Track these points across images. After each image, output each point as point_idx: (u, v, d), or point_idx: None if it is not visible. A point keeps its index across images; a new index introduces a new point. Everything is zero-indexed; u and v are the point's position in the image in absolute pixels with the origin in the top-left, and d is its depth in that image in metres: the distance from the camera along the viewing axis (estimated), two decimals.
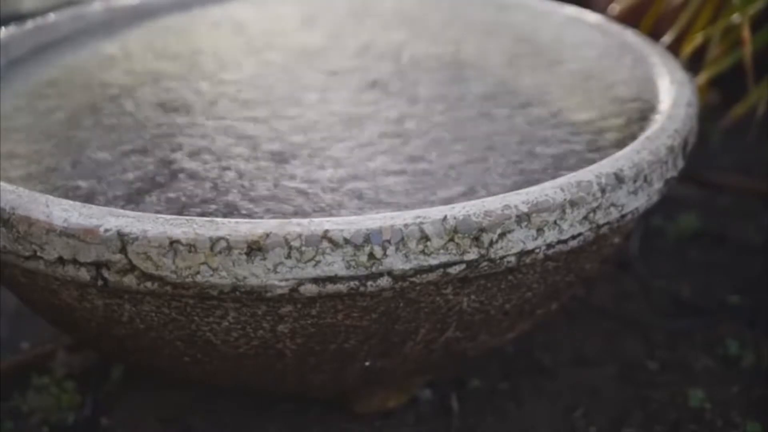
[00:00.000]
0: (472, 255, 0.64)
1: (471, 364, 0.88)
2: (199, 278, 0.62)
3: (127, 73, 0.94)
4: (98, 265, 0.63)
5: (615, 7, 1.17)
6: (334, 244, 0.61)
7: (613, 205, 0.69)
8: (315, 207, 0.71)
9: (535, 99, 0.88)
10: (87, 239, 0.63)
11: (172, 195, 0.73)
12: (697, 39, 1.02)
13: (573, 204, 0.66)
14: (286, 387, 0.79)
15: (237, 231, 0.61)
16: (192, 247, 0.61)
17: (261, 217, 0.69)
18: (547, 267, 0.70)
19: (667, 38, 1.03)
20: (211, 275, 0.62)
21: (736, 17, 0.98)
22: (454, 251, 0.63)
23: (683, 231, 1.10)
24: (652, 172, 0.71)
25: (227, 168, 0.76)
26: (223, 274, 0.62)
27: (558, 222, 0.66)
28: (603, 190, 0.68)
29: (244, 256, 0.61)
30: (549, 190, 0.66)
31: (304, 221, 0.62)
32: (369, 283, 0.63)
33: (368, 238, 0.62)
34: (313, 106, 0.87)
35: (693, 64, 1.01)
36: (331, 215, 0.69)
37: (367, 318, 0.66)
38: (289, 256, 0.61)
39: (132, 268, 0.62)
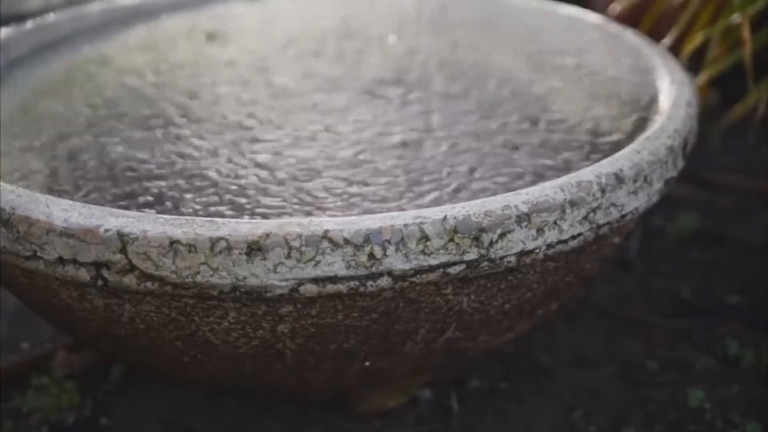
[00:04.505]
0: (472, 255, 0.64)
1: (471, 364, 0.88)
2: (199, 278, 0.62)
3: (128, 72, 0.94)
4: (98, 265, 0.63)
5: (615, 7, 1.17)
6: (334, 244, 0.61)
7: (613, 205, 0.69)
8: None
9: (534, 98, 0.88)
10: (87, 239, 0.63)
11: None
12: (697, 39, 1.02)
13: (573, 204, 0.66)
14: (286, 387, 0.79)
15: (237, 231, 0.61)
16: (192, 247, 0.61)
17: None
18: (547, 267, 0.70)
19: (668, 39, 1.03)
20: (211, 275, 0.62)
21: (736, 17, 0.98)
22: (454, 251, 0.63)
23: (683, 231, 1.10)
24: (652, 172, 0.71)
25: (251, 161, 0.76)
26: (223, 274, 0.62)
27: (558, 222, 0.66)
28: (603, 190, 0.68)
29: (244, 256, 0.61)
30: (549, 190, 0.66)
31: (305, 221, 0.62)
32: (369, 283, 0.63)
33: (368, 238, 0.62)
34: None
35: (693, 64, 1.01)
36: None
37: (367, 318, 0.66)
38: (289, 256, 0.61)
39: (132, 268, 0.62)
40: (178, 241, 0.61)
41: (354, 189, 0.73)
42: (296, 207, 0.71)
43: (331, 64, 0.96)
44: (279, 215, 0.69)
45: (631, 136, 0.77)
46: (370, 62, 0.96)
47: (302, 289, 0.62)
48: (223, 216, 0.69)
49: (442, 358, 0.75)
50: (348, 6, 1.11)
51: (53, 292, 0.68)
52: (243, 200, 0.72)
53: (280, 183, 0.74)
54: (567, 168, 0.75)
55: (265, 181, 0.74)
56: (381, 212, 0.66)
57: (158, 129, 0.83)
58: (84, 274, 0.64)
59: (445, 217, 0.63)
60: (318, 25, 1.06)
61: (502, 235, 0.64)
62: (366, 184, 0.74)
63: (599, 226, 0.68)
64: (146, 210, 0.70)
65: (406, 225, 0.62)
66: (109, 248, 0.62)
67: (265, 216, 0.69)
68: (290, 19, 1.09)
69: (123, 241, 0.62)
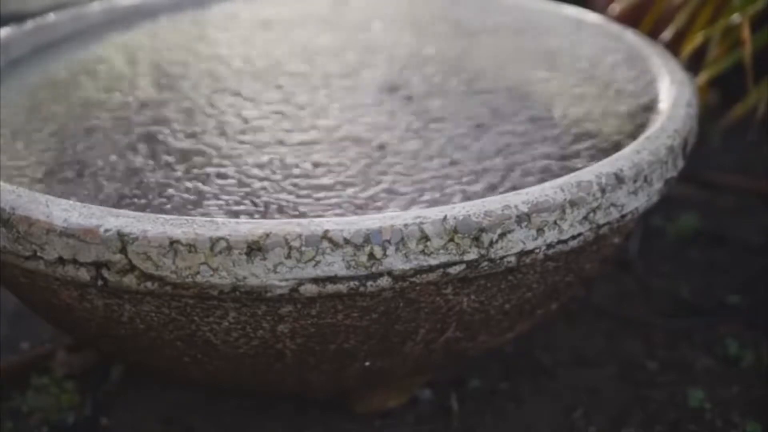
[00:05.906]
0: (472, 255, 0.64)
1: (471, 364, 0.88)
2: (199, 278, 0.62)
3: (128, 72, 0.94)
4: (98, 265, 0.63)
5: (615, 7, 1.17)
6: (334, 244, 0.61)
7: (613, 205, 0.69)
8: None
9: (534, 98, 0.88)
10: (87, 239, 0.63)
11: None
12: (697, 39, 1.02)
13: (573, 204, 0.66)
14: (286, 387, 0.79)
15: (237, 231, 0.61)
16: (192, 247, 0.61)
17: None
18: (547, 267, 0.70)
19: (667, 34, 1.03)
20: (211, 275, 0.62)
21: (736, 17, 0.98)
22: (454, 251, 0.63)
23: (683, 231, 1.10)
24: (652, 172, 0.71)
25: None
26: (223, 274, 0.62)
27: (558, 222, 0.66)
28: (603, 190, 0.68)
29: (244, 256, 0.61)
30: (549, 190, 0.66)
31: (304, 221, 0.62)
32: (369, 283, 0.63)
33: (368, 238, 0.62)
34: None
35: (693, 64, 1.01)
36: None
37: (367, 318, 0.66)
38: (289, 256, 0.61)
39: (132, 268, 0.62)
40: (178, 241, 0.61)
41: None
42: None
43: None
44: None
45: (631, 136, 0.77)
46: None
47: (302, 289, 0.62)
48: None
49: (442, 358, 0.75)
50: None
51: (53, 292, 0.68)
52: None
53: None
54: (566, 168, 0.75)
55: None
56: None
57: None
58: (84, 274, 0.64)
59: (445, 217, 0.63)
60: None
61: (502, 235, 0.64)
62: None
63: (599, 226, 0.68)
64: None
65: (406, 225, 0.62)
66: (109, 248, 0.62)
67: None
68: None
69: (123, 241, 0.62)
